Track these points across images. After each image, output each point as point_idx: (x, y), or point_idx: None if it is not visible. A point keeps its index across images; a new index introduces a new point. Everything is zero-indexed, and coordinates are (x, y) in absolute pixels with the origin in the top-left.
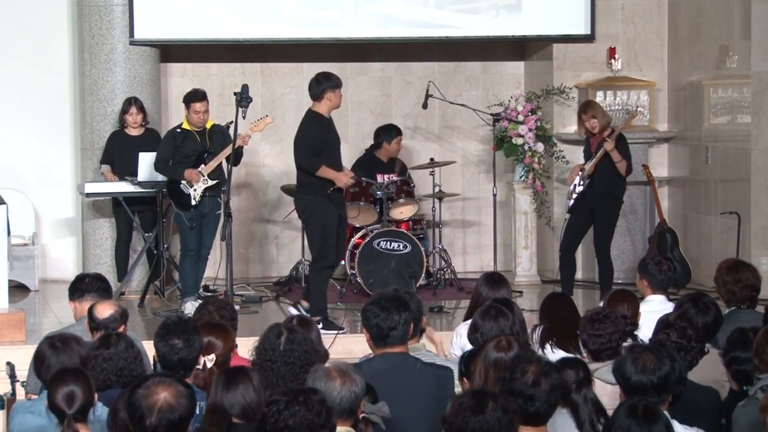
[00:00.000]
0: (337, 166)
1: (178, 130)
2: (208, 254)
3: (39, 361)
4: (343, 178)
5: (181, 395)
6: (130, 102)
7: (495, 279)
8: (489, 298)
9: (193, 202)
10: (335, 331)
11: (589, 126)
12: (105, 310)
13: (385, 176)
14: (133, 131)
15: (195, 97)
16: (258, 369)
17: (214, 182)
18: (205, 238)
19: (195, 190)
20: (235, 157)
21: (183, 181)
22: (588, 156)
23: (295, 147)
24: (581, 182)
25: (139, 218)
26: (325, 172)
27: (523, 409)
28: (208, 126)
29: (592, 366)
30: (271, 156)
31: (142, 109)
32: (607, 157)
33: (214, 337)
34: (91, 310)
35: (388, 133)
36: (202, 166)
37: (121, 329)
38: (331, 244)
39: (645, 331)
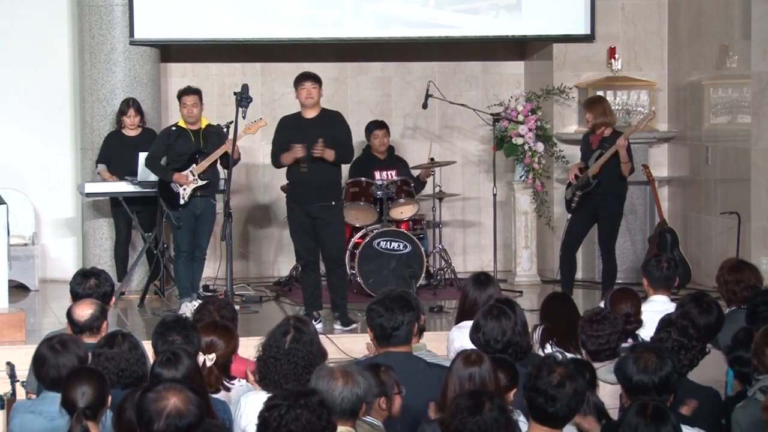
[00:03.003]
0: (295, 166)
1: (173, 128)
2: (203, 255)
3: (38, 364)
4: (294, 151)
5: (191, 402)
6: (128, 103)
7: (482, 280)
8: (477, 299)
9: (182, 201)
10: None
11: (585, 119)
12: (84, 311)
13: (384, 173)
14: (130, 132)
15: (186, 91)
16: (261, 365)
17: (204, 182)
18: (201, 240)
19: (184, 189)
20: (229, 160)
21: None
22: (586, 153)
23: None
24: (582, 185)
25: (137, 218)
26: (283, 158)
27: (542, 408)
28: (203, 125)
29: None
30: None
31: (139, 110)
32: (613, 157)
33: (217, 337)
34: (70, 314)
35: (368, 129)
36: (194, 165)
37: (103, 326)
38: (293, 243)
39: (647, 330)
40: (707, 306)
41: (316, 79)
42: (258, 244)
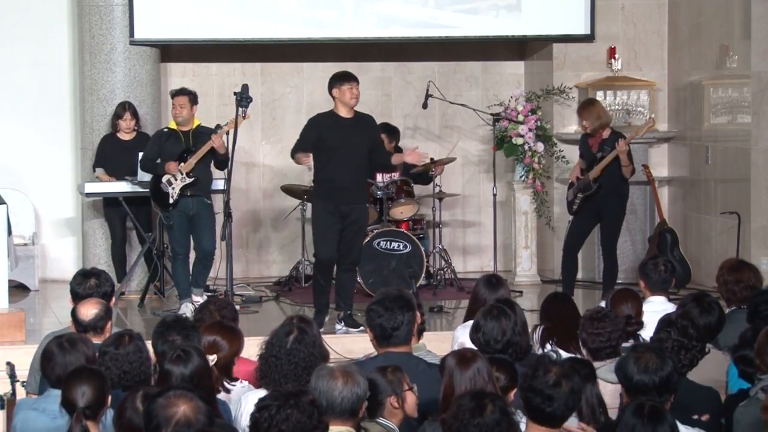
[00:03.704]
0: (333, 165)
1: (165, 129)
2: (209, 257)
3: (46, 360)
4: (301, 157)
5: (201, 411)
6: (124, 107)
7: (493, 282)
8: (488, 300)
9: (171, 200)
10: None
11: (582, 126)
12: (89, 311)
13: (385, 175)
14: (125, 135)
15: (176, 92)
16: (263, 363)
17: (191, 180)
18: (202, 241)
19: (173, 188)
20: (223, 162)
21: (163, 180)
22: (585, 155)
23: None
24: (583, 188)
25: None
26: (297, 159)
27: (540, 408)
28: (194, 126)
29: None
30: (271, 156)
31: (135, 114)
32: (614, 160)
33: (221, 337)
34: (75, 314)
35: None
36: (182, 164)
37: (108, 325)
38: (319, 242)
39: (645, 331)
40: (708, 306)
41: (358, 81)
42: (258, 244)
